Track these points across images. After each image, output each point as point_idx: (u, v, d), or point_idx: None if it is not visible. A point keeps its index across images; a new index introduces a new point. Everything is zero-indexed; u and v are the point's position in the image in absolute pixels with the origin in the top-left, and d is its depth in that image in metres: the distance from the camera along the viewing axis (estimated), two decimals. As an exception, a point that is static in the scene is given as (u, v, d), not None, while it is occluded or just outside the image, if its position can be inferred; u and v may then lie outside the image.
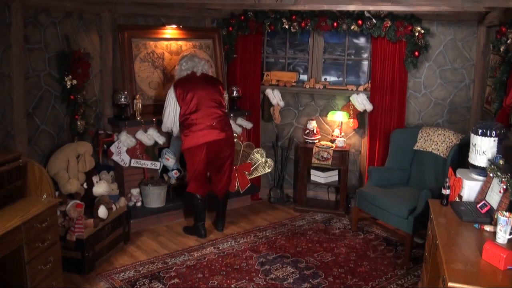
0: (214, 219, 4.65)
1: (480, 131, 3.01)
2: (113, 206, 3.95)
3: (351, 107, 5.00)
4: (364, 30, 4.69)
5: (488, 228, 2.60)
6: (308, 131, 5.11)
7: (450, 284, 2.04)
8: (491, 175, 2.80)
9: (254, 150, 5.00)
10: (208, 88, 4.23)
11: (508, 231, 2.41)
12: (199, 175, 4.22)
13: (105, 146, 4.38)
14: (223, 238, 4.37)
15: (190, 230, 4.45)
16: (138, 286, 3.48)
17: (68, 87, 3.98)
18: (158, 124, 4.55)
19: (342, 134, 5.08)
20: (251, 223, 4.74)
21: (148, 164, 4.53)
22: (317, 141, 5.08)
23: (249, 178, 4.94)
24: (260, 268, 3.80)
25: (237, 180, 4.87)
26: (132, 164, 4.45)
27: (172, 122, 4.24)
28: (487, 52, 4.38)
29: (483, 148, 3.00)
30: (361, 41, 5.23)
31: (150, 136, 4.47)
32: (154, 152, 4.58)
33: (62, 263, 3.19)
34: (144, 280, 3.57)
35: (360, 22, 4.64)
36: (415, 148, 4.52)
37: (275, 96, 5.26)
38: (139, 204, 4.54)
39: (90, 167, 4.03)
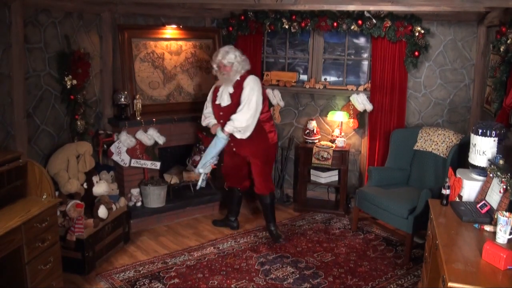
0: (235, 215, 4.63)
1: (480, 131, 3.01)
2: (113, 206, 3.95)
3: (351, 107, 5.00)
4: (364, 30, 4.68)
5: (488, 228, 2.60)
6: (308, 131, 5.11)
7: (450, 284, 2.04)
8: (491, 175, 2.80)
9: (254, 150, 5.00)
10: None
11: (508, 231, 2.41)
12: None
13: (105, 146, 4.38)
14: (223, 238, 4.37)
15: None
16: (138, 286, 3.48)
17: (68, 87, 3.98)
18: (158, 123, 4.55)
19: (342, 134, 5.08)
20: (251, 223, 4.74)
21: (148, 164, 4.53)
22: (317, 141, 5.08)
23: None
24: (260, 268, 3.80)
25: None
26: (132, 164, 4.45)
27: (256, 115, 3.98)
28: (487, 52, 4.37)
29: (483, 148, 3.00)
30: (361, 41, 5.23)
31: (150, 136, 4.47)
32: (154, 152, 4.58)
33: (62, 263, 3.19)
34: (144, 280, 3.57)
35: (360, 22, 4.64)
36: (415, 148, 4.52)
37: (275, 96, 5.26)
38: (139, 204, 4.54)
39: (90, 167, 4.03)
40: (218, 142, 4.08)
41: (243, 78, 4.01)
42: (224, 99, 4.06)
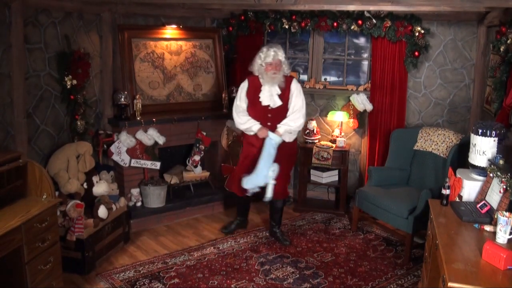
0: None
1: (480, 131, 3.01)
2: (113, 206, 3.95)
3: (351, 107, 5.00)
4: (364, 30, 4.69)
5: (488, 228, 2.61)
6: (308, 131, 5.11)
7: (450, 284, 2.04)
8: (491, 175, 2.80)
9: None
10: None
11: (508, 231, 2.41)
12: None
13: (105, 146, 4.38)
14: (223, 238, 4.37)
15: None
16: (138, 286, 3.48)
17: (68, 87, 3.99)
18: (158, 123, 4.55)
19: (342, 134, 5.07)
20: (251, 223, 4.73)
21: (148, 164, 4.53)
22: (317, 141, 5.08)
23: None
24: (260, 268, 3.80)
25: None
26: (132, 164, 4.45)
27: None
28: (487, 52, 4.38)
29: (483, 148, 3.00)
30: (361, 41, 5.23)
31: (150, 136, 4.47)
32: (154, 152, 4.58)
33: (62, 263, 3.19)
34: (144, 280, 3.57)
35: (360, 22, 4.64)
36: (415, 148, 4.52)
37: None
38: (139, 204, 4.54)
39: (90, 167, 4.03)
40: (274, 146, 3.86)
41: (288, 79, 3.99)
42: (275, 101, 3.93)
